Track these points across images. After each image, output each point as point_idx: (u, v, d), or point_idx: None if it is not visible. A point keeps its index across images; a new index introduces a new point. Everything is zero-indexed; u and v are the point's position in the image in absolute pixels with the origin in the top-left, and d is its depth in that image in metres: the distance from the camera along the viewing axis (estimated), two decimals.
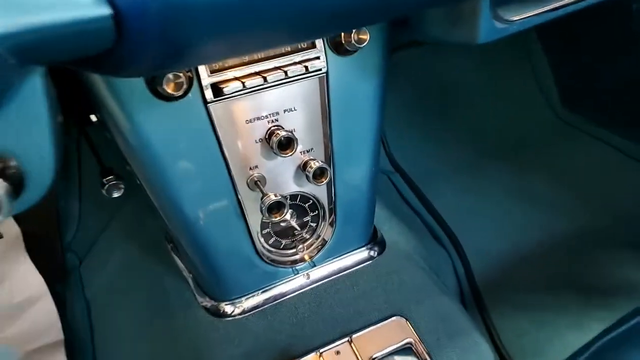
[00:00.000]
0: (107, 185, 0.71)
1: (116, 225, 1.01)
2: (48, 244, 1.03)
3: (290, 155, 0.61)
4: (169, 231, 0.71)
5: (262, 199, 0.60)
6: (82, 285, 0.99)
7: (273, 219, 0.60)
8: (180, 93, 0.52)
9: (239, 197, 0.64)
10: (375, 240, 0.80)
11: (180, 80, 0.50)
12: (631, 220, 1.17)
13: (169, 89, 0.50)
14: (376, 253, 0.78)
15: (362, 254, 0.77)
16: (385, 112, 0.71)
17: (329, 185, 0.70)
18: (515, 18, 0.47)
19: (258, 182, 0.63)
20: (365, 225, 0.77)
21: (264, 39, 0.37)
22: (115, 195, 0.73)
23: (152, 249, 0.88)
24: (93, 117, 0.61)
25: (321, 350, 0.66)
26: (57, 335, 0.94)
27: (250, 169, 0.63)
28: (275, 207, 0.60)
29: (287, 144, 0.61)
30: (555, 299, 1.02)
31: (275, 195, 0.59)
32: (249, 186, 0.64)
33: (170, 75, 0.50)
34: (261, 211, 0.60)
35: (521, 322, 0.99)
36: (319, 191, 0.70)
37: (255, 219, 0.67)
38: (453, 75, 1.55)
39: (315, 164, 0.63)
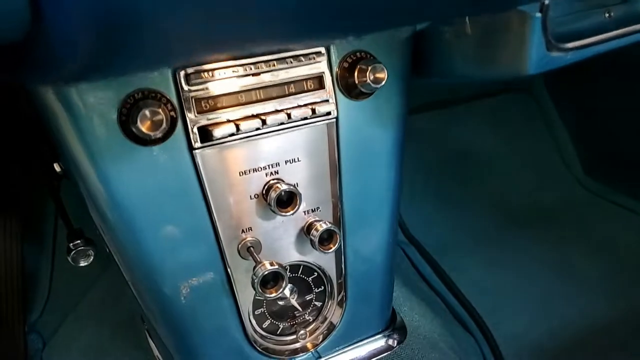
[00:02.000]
0: (73, 252, 0.60)
1: (88, 302, 0.88)
2: (9, 326, 0.90)
3: (292, 214, 0.51)
4: (139, 306, 0.59)
5: (254, 268, 0.48)
6: None
7: (268, 296, 0.49)
8: (158, 134, 0.43)
9: (228, 267, 0.53)
10: (394, 325, 0.67)
11: (159, 117, 0.42)
12: None
13: (144, 127, 0.42)
14: (396, 342, 0.65)
15: (378, 342, 0.64)
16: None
17: (337, 254, 0.59)
18: (570, 45, 0.39)
19: (251, 248, 0.52)
20: (382, 305, 0.65)
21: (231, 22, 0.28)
22: (83, 264, 0.62)
23: (124, 330, 0.75)
24: (57, 167, 0.52)
25: None
26: None
27: (243, 231, 0.53)
28: (272, 280, 0.49)
29: (288, 200, 0.51)
30: None
31: (272, 264, 0.48)
32: (240, 254, 0.53)
33: (147, 111, 0.41)
34: (253, 285, 0.48)
35: None
36: (325, 261, 0.59)
37: (246, 296, 0.56)
38: (469, 142, 1.50)
39: (321, 226, 0.53)
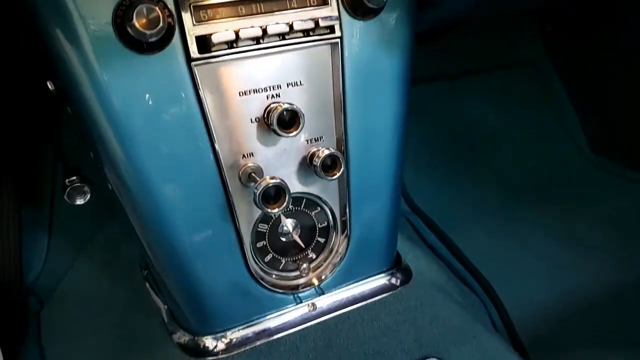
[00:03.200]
0: (69, 188, 0.59)
1: (85, 258, 0.87)
2: (7, 289, 0.89)
3: (294, 135, 0.49)
4: (140, 246, 0.57)
5: (256, 185, 0.47)
6: (40, 333, 0.84)
7: (270, 211, 0.48)
8: (154, 37, 0.42)
9: (229, 194, 0.52)
10: (399, 266, 0.66)
11: (155, 15, 0.41)
12: None
13: (140, 24, 0.40)
14: (399, 281, 0.63)
15: (383, 280, 0.63)
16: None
17: (341, 188, 0.57)
18: None
19: (253, 174, 0.51)
20: (386, 244, 0.63)
21: None
22: (79, 202, 0.61)
23: (123, 281, 0.74)
24: (50, 85, 0.51)
25: None
26: None
27: (244, 156, 0.51)
28: (273, 196, 0.48)
29: (290, 120, 0.50)
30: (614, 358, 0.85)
31: (273, 178, 0.47)
32: (241, 180, 0.52)
33: (143, 8, 0.40)
34: (255, 201, 0.47)
35: None
36: (329, 194, 0.58)
37: (247, 225, 0.54)
38: (474, 115, 1.49)
39: (324, 151, 0.52)
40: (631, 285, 1.01)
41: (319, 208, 0.59)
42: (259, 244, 0.57)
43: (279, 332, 0.57)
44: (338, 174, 0.52)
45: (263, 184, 0.46)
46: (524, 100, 1.51)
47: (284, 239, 0.59)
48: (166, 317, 0.61)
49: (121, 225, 0.87)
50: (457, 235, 1.14)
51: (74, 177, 0.60)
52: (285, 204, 0.48)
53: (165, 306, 0.62)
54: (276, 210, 0.48)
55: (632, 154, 1.34)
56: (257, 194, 0.46)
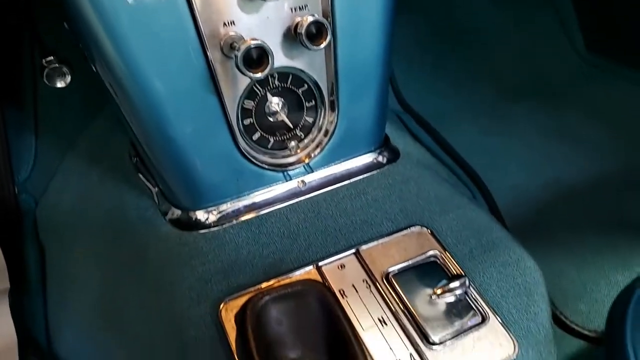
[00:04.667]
0: (47, 69, 0.58)
1: (74, 155, 0.88)
2: None
3: None
4: (130, 132, 0.57)
5: (237, 47, 0.46)
6: (36, 229, 0.86)
7: (254, 75, 0.47)
8: None
9: (212, 65, 0.51)
10: (387, 145, 0.67)
11: None
12: None
13: None
14: (386, 159, 0.65)
15: (370, 158, 0.64)
16: (393, 45, 0.59)
17: (328, 59, 0.57)
18: None
19: (234, 43, 0.50)
20: (374, 123, 0.64)
21: None
22: (60, 85, 0.60)
23: (113, 172, 0.75)
24: None
25: (320, 263, 0.53)
26: (3, 284, 0.82)
27: (225, 25, 0.50)
28: (256, 59, 0.47)
29: None
30: (598, 239, 0.90)
31: (255, 39, 0.46)
32: (223, 51, 0.51)
33: None
34: (237, 65, 0.47)
35: (560, 264, 0.86)
36: (316, 70, 0.57)
37: (232, 100, 0.54)
38: (470, 12, 1.44)
39: (309, 18, 0.50)
40: (617, 175, 1.04)
41: (306, 85, 0.58)
42: (246, 122, 0.57)
43: (269, 206, 0.59)
44: (324, 43, 0.51)
45: (244, 46, 0.46)
46: (524, 2, 1.46)
47: (271, 119, 0.59)
48: (157, 199, 0.63)
49: (108, 118, 0.87)
50: (448, 132, 1.15)
51: (51, 57, 0.59)
52: (268, 67, 0.47)
53: (156, 188, 0.64)
54: (259, 74, 0.47)
55: (628, 52, 1.32)
56: (239, 56, 0.46)
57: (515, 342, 0.48)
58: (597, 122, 1.17)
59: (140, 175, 0.66)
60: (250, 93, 0.56)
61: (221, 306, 0.49)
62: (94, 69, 0.53)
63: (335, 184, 0.62)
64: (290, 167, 0.61)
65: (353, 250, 0.55)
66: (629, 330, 0.47)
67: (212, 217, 0.58)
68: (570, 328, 0.74)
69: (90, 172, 0.81)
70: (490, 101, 1.29)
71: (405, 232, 0.57)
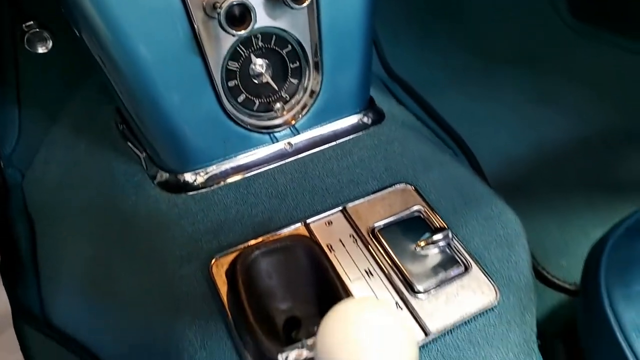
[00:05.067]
0: (28, 34, 0.57)
1: (60, 126, 0.87)
2: None
3: None
4: (117, 98, 0.58)
5: (220, 4, 0.46)
6: (25, 202, 0.86)
7: (237, 32, 0.48)
8: None
9: (195, 25, 0.51)
10: (372, 107, 0.68)
11: None
12: None
13: None
14: (371, 120, 0.66)
15: (355, 119, 0.65)
16: (380, 14, 0.58)
17: (312, 19, 0.57)
18: None
19: (217, 2, 0.50)
20: (359, 84, 0.65)
21: None
22: (41, 50, 0.60)
23: (99, 141, 0.75)
24: None
25: (308, 220, 0.54)
26: None
27: None
28: (239, 16, 0.47)
29: None
30: (579, 198, 0.93)
31: None
32: (205, 11, 0.51)
33: None
34: (220, 23, 0.47)
35: (543, 223, 0.89)
36: (299, 30, 0.58)
37: (216, 61, 0.55)
38: None
39: None
40: (597, 137, 1.07)
41: (290, 46, 0.59)
42: (231, 84, 0.58)
43: (256, 168, 0.60)
44: (307, 2, 0.52)
45: (226, 3, 0.46)
46: None
47: (256, 81, 0.59)
48: (145, 164, 0.63)
49: (91, 88, 0.86)
50: (434, 99, 1.16)
51: (31, 22, 0.58)
52: (251, 24, 0.48)
53: (144, 154, 0.64)
54: (242, 32, 0.48)
55: (611, 19, 1.33)
56: (222, 13, 0.46)
57: (497, 289, 0.50)
58: (580, 86, 1.19)
59: (128, 143, 0.67)
60: (234, 54, 0.56)
61: (212, 263, 0.50)
62: (78, 35, 0.53)
63: (321, 145, 0.63)
64: (276, 129, 0.62)
65: (340, 208, 0.56)
66: (603, 277, 0.50)
67: (200, 179, 0.58)
68: (551, 282, 0.77)
69: (76, 143, 0.81)
70: (476, 68, 1.30)
71: (390, 189, 0.58)
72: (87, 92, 0.85)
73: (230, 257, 0.50)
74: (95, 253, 0.61)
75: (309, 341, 0.38)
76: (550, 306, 0.77)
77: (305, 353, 0.38)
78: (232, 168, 0.59)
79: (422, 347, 0.46)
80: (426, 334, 0.47)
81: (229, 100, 0.58)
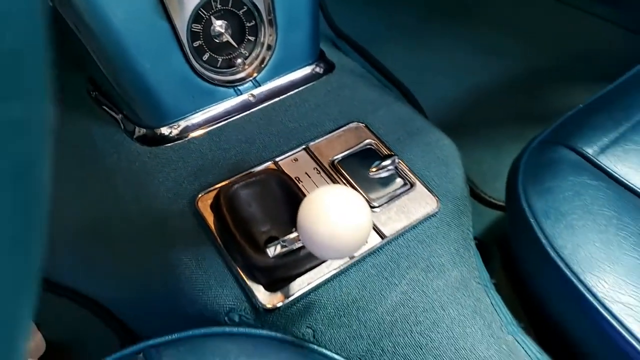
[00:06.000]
0: None
1: None
2: None
3: None
4: (90, 65, 0.63)
5: None
6: None
7: None
8: None
9: None
10: (323, 58, 0.76)
11: None
12: (581, 58, 1.22)
13: None
14: (323, 70, 0.74)
15: (309, 70, 0.73)
16: None
17: None
18: None
19: None
20: (310, 37, 0.73)
21: None
22: None
23: (73, 111, 0.80)
24: None
25: (277, 159, 0.63)
26: None
27: None
28: None
29: None
30: (511, 131, 1.06)
31: None
32: None
33: None
34: None
35: (481, 154, 1.02)
36: None
37: (182, 24, 0.61)
38: None
39: None
40: (525, 78, 1.20)
41: (245, 7, 0.66)
42: (196, 44, 0.64)
43: (225, 119, 0.67)
44: None
45: None
46: None
47: (217, 40, 0.66)
48: (123, 124, 0.70)
49: (56, 65, 0.90)
50: (379, 52, 1.26)
51: None
52: None
53: (120, 115, 0.70)
54: None
55: None
56: None
57: (437, 199, 0.61)
58: (510, 36, 1.31)
59: (104, 107, 0.72)
60: (197, 17, 0.63)
61: (197, 199, 0.59)
62: (51, 4, 0.58)
63: (281, 95, 0.71)
64: (239, 83, 0.69)
65: (303, 147, 0.65)
66: (520, 180, 0.62)
67: (175, 131, 0.66)
68: (488, 202, 0.90)
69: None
70: (416, 23, 1.40)
71: (344, 128, 0.68)
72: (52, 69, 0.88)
73: (213, 194, 0.58)
74: (84, 206, 0.68)
75: (290, 236, 0.48)
76: (488, 222, 0.90)
77: (287, 242, 0.48)
78: (203, 120, 0.67)
79: (380, 248, 0.57)
80: (382, 238, 0.57)
81: (195, 59, 0.65)
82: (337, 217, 0.36)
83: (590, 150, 0.61)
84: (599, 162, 0.60)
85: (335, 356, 0.47)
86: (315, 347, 0.48)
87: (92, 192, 0.68)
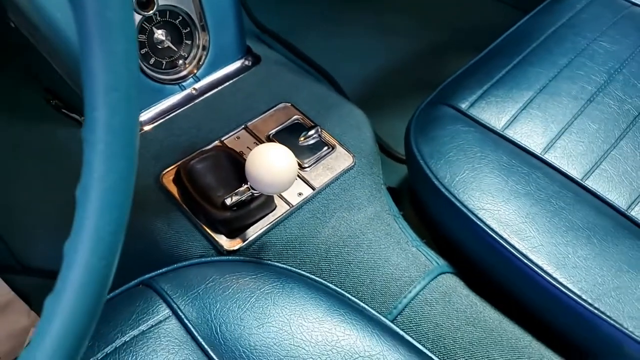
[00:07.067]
0: None
1: None
2: None
3: None
4: (51, 73, 0.74)
5: None
6: None
7: (145, 14, 0.68)
8: None
9: None
10: (250, 53, 0.91)
11: None
12: (467, 32, 1.44)
13: None
14: (252, 63, 0.89)
15: (239, 64, 0.88)
16: None
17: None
18: None
19: None
20: (236, 36, 0.87)
21: None
22: None
23: (36, 120, 0.90)
24: None
25: (223, 139, 0.78)
26: None
27: None
28: (144, 3, 0.68)
29: None
30: (417, 98, 1.25)
31: None
32: None
33: None
34: (134, 8, 0.67)
35: (392, 120, 1.21)
36: (185, 4, 0.78)
37: None
38: None
39: None
40: (424, 52, 1.40)
41: (180, 17, 0.79)
42: (142, 51, 0.77)
43: (174, 110, 0.81)
44: None
45: None
46: None
47: (160, 47, 0.80)
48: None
49: (9, 78, 0.98)
50: (298, 41, 1.42)
51: None
52: (155, 6, 0.68)
53: (82, 117, 0.82)
54: (150, 12, 0.68)
55: None
56: (134, 2, 0.66)
57: (353, 157, 0.79)
58: (407, 17, 1.51)
59: (63, 111, 0.84)
60: (141, 29, 0.76)
61: (161, 176, 0.72)
62: (12, 24, 0.68)
63: (219, 87, 0.85)
64: (182, 80, 0.83)
65: (243, 127, 0.80)
66: (412, 133, 0.80)
67: None
68: (400, 159, 1.10)
69: (10, 127, 0.94)
70: (332, 12, 1.57)
71: (275, 108, 0.83)
72: (6, 80, 0.97)
73: (174, 170, 0.73)
74: (62, 198, 0.79)
75: (240, 189, 0.63)
76: (402, 176, 1.09)
77: (239, 193, 0.64)
78: (156, 113, 0.80)
79: (312, 197, 0.74)
80: (313, 189, 0.74)
81: (143, 63, 0.78)
82: (273, 160, 0.53)
83: (463, 106, 0.81)
84: (469, 114, 0.80)
85: (294, 269, 0.64)
86: (277, 263, 0.64)
87: (66, 179, 0.79)
